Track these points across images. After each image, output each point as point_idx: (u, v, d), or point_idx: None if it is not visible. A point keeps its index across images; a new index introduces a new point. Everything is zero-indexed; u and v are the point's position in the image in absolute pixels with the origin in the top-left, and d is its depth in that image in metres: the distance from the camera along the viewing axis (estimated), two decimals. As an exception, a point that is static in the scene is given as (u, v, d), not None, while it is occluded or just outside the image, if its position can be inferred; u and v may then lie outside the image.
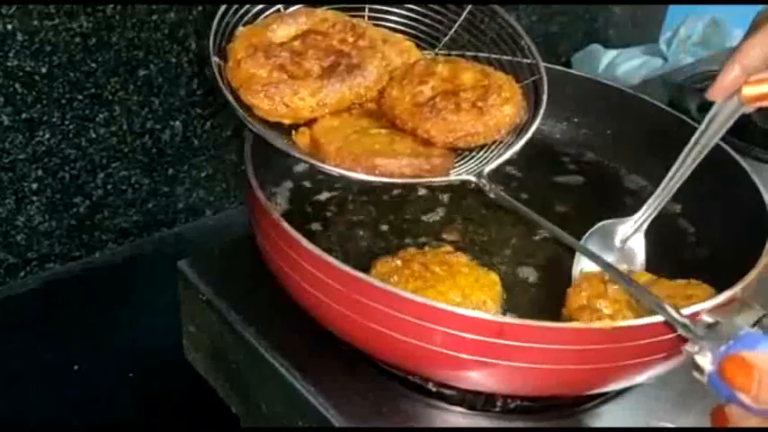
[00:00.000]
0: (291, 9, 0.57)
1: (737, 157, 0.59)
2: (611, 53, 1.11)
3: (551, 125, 0.71)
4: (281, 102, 0.52)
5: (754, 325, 0.40)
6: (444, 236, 0.59)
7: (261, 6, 0.56)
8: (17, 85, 0.62)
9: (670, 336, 0.43)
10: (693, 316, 0.42)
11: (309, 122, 0.54)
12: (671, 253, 0.58)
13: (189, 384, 0.62)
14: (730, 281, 0.45)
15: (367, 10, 0.59)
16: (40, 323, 0.69)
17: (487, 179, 0.52)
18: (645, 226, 0.56)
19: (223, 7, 0.54)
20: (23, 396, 0.64)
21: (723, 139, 0.61)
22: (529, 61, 0.58)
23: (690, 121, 0.64)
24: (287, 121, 0.53)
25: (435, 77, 0.56)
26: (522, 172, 0.67)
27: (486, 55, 0.59)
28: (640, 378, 0.48)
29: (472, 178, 0.52)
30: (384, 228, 0.60)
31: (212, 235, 0.78)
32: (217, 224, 0.80)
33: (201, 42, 0.70)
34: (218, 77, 0.52)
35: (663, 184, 0.55)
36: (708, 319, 0.42)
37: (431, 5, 0.60)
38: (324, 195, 0.62)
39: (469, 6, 0.60)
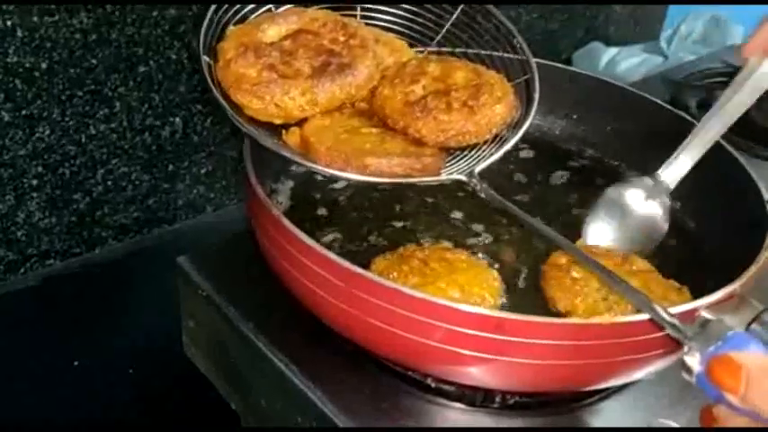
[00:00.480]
0: (282, 8, 0.57)
1: (737, 154, 0.59)
2: (612, 51, 1.11)
3: (551, 122, 0.71)
4: (272, 101, 0.52)
5: (752, 321, 0.40)
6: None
7: (252, 6, 0.56)
8: (17, 82, 0.62)
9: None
10: (691, 312, 0.42)
11: (300, 122, 0.54)
12: (671, 249, 0.59)
13: (189, 380, 0.62)
14: (729, 277, 0.46)
15: (359, 9, 0.59)
16: (40, 319, 0.69)
17: (478, 179, 0.52)
18: (672, 185, 0.56)
19: (213, 6, 0.54)
20: (23, 392, 0.65)
21: (723, 136, 0.61)
22: (519, 57, 0.58)
23: (690, 118, 0.64)
24: (277, 121, 0.53)
25: (427, 77, 0.55)
26: (521, 169, 0.67)
27: (477, 51, 0.59)
28: (639, 374, 0.48)
29: (463, 178, 0.52)
30: (385, 224, 0.60)
31: (212, 231, 0.78)
32: (216, 221, 0.80)
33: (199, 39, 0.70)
34: (209, 77, 0.52)
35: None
36: (706, 315, 0.42)
37: (424, 4, 0.59)
38: (324, 192, 0.62)
39: (461, 5, 0.60)
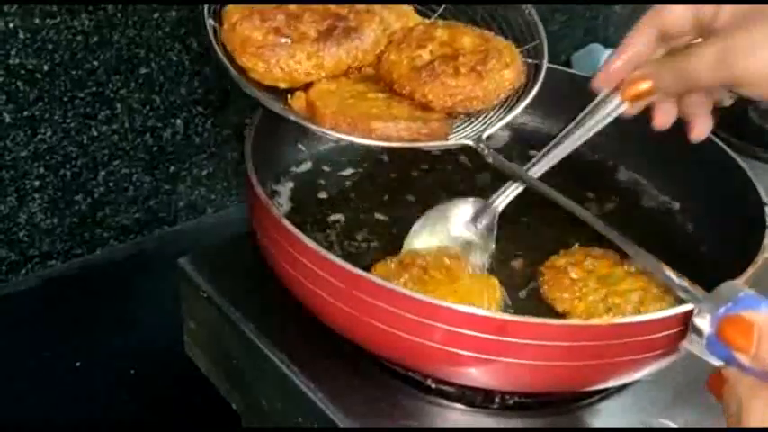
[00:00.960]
0: None
1: (735, 156, 0.59)
2: (611, 52, 1.11)
3: (550, 123, 0.71)
4: (277, 65, 0.51)
5: None
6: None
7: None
8: (19, 83, 0.63)
9: (667, 332, 0.44)
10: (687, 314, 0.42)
11: (305, 87, 0.53)
12: (669, 251, 0.59)
13: (190, 381, 0.62)
14: (728, 279, 0.46)
15: None
16: (42, 320, 0.69)
17: (486, 144, 0.51)
18: (500, 208, 0.54)
19: None
20: (24, 393, 0.65)
21: (721, 137, 0.62)
22: (528, 22, 0.57)
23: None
24: (282, 85, 0.53)
25: (434, 42, 0.55)
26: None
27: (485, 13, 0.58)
28: (638, 374, 0.48)
29: (470, 143, 0.52)
30: (386, 227, 0.60)
31: (213, 232, 0.79)
32: (217, 222, 0.80)
33: (203, 41, 0.71)
34: (214, 40, 0.52)
35: (527, 166, 0.54)
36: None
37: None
38: (325, 194, 0.63)
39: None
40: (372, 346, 0.49)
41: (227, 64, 0.51)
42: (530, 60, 0.56)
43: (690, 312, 0.42)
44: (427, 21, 0.59)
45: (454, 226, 0.55)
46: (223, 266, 0.60)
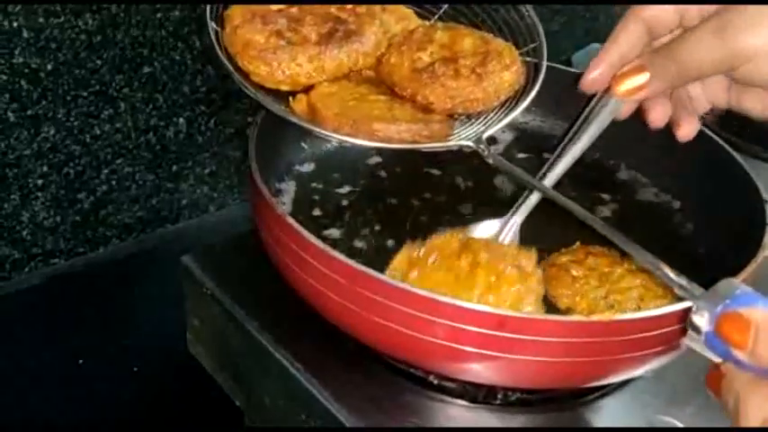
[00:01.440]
0: None
1: (736, 155, 0.60)
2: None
3: (551, 123, 0.72)
4: (279, 68, 0.52)
5: None
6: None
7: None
8: (23, 82, 0.63)
9: (668, 329, 0.44)
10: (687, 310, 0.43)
11: (307, 89, 0.54)
12: (669, 250, 0.59)
13: (193, 378, 0.62)
14: (727, 277, 0.46)
15: None
16: (45, 318, 0.69)
17: (486, 144, 0.52)
18: (515, 227, 0.54)
19: None
20: (27, 391, 0.65)
21: (721, 136, 0.62)
22: (527, 24, 0.57)
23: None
24: (284, 88, 0.53)
25: (434, 44, 0.55)
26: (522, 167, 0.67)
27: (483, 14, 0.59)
28: (640, 371, 0.48)
29: (471, 144, 0.52)
30: (391, 224, 0.60)
31: (216, 231, 0.79)
32: (220, 220, 0.80)
33: (206, 40, 0.71)
34: (216, 44, 0.52)
35: (537, 176, 0.53)
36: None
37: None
38: (328, 192, 0.63)
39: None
40: (375, 343, 0.49)
41: (230, 67, 0.52)
42: (529, 59, 0.57)
43: (690, 309, 0.42)
44: (427, 23, 0.59)
45: None
46: (226, 264, 0.60)
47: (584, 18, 1.13)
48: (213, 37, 0.52)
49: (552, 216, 0.60)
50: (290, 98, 0.54)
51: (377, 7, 0.56)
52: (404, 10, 0.59)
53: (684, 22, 0.48)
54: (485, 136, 0.52)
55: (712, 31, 0.44)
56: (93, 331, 0.69)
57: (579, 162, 0.69)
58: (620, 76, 0.48)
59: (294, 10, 0.54)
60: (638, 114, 0.53)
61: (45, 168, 0.67)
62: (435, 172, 0.66)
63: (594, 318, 0.44)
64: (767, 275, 0.49)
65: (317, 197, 0.62)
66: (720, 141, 0.61)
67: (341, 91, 0.54)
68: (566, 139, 0.53)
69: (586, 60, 1.15)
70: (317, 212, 0.61)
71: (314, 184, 0.63)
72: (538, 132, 0.72)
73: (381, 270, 0.47)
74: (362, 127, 0.50)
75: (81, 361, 0.67)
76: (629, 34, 0.48)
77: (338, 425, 0.49)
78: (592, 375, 0.48)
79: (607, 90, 0.50)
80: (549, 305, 0.53)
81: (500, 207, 0.55)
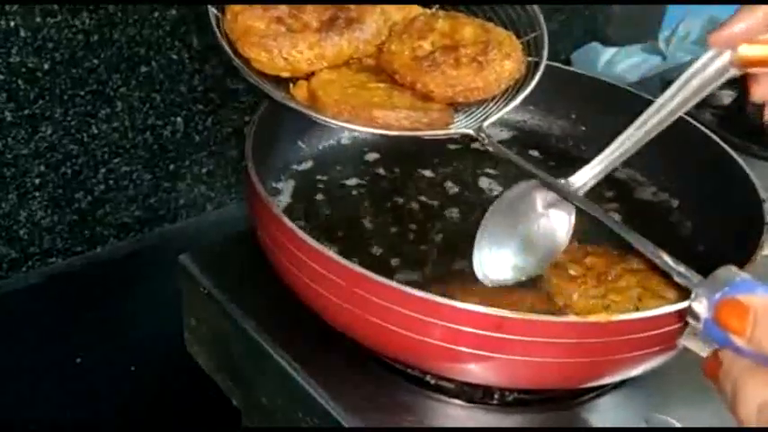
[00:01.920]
0: None
1: (734, 153, 0.60)
2: (611, 51, 1.11)
3: (550, 122, 0.71)
4: (279, 54, 0.52)
5: None
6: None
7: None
8: (20, 82, 0.63)
9: (665, 329, 0.44)
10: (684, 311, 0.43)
11: (308, 76, 0.54)
12: (668, 248, 0.59)
13: (191, 378, 0.62)
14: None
15: None
16: (42, 317, 0.69)
17: (486, 133, 0.52)
18: (581, 192, 0.52)
19: None
20: (25, 390, 0.65)
21: (719, 135, 0.62)
22: (528, 14, 0.57)
23: (688, 118, 0.64)
24: (285, 75, 0.53)
25: (435, 32, 0.55)
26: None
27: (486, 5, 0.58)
28: (636, 371, 0.48)
29: (471, 132, 0.52)
30: (385, 223, 0.60)
31: (213, 230, 0.79)
32: (218, 219, 0.80)
33: (203, 39, 0.71)
34: (217, 29, 0.52)
35: (617, 142, 0.52)
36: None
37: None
38: (326, 191, 0.63)
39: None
40: (372, 343, 0.49)
41: (231, 53, 0.51)
42: (530, 58, 0.56)
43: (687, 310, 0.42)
44: (428, 11, 0.59)
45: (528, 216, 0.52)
46: (224, 263, 0.60)
47: (583, 17, 1.13)
48: (214, 23, 0.52)
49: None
50: (291, 85, 0.54)
51: None
52: None
53: None
54: (485, 124, 0.52)
55: None
56: (91, 330, 0.69)
57: (578, 160, 0.70)
58: (747, 41, 0.46)
59: None
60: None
61: (42, 168, 0.67)
62: (428, 173, 0.66)
63: (592, 318, 0.44)
64: (766, 274, 0.48)
65: (315, 195, 0.62)
66: (719, 140, 0.61)
67: (341, 78, 0.54)
68: (663, 97, 0.50)
69: (586, 59, 1.16)
70: (314, 211, 0.61)
71: (312, 182, 0.63)
72: (536, 131, 0.72)
73: (378, 271, 0.46)
74: (362, 114, 0.50)
75: (79, 360, 0.67)
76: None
77: (336, 424, 0.49)
78: (589, 376, 0.48)
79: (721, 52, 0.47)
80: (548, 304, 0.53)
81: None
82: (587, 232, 0.54)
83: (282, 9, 0.53)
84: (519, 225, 0.53)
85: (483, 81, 0.53)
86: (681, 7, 1.21)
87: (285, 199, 0.61)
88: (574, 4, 1.09)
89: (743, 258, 0.48)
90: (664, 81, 0.95)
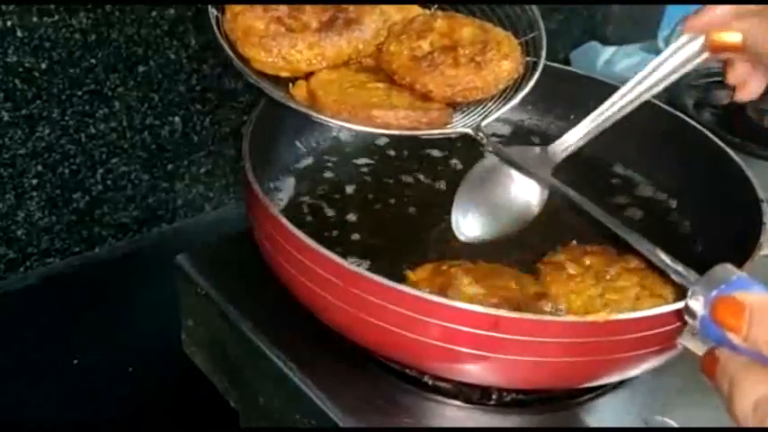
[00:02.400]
0: None
1: (733, 153, 0.60)
2: (609, 50, 1.11)
3: (548, 121, 0.71)
4: (279, 54, 0.52)
5: None
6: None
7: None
8: (17, 81, 0.63)
9: (663, 329, 0.44)
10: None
11: (307, 76, 0.54)
12: (666, 248, 0.59)
13: (188, 378, 0.62)
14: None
15: None
16: (40, 318, 0.69)
17: (485, 132, 0.52)
18: (557, 159, 0.55)
19: None
20: (23, 390, 0.65)
21: (718, 135, 0.62)
22: (527, 15, 0.57)
23: (687, 118, 0.64)
24: (284, 74, 0.53)
25: (434, 33, 0.56)
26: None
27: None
28: (634, 371, 0.48)
29: (470, 131, 0.52)
30: (379, 223, 0.60)
31: (211, 230, 0.79)
32: (216, 219, 0.80)
33: (201, 39, 0.71)
34: (216, 29, 0.52)
35: (595, 113, 0.55)
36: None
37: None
38: (323, 191, 0.63)
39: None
40: (370, 344, 0.49)
41: (231, 53, 0.52)
42: (529, 58, 0.56)
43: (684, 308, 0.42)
44: (427, 12, 0.59)
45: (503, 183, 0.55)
46: (221, 264, 0.60)
47: (582, 16, 1.13)
48: (214, 23, 0.52)
49: (549, 214, 0.60)
50: (290, 84, 0.54)
51: None
52: None
53: None
54: (483, 124, 0.52)
55: None
56: (89, 331, 0.68)
57: (576, 160, 0.70)
58: (718, 27, 0.50)
59: None
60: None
61: (40, 168, 0.67)
62: (421, 176, 0.66)
63: (590, 318, 0.44)
64: (765, 274, 0.48)
65: (313, 196, 0.62)
66: (717, 140, 0.61)
67: (340, 78, 0.54)
68: (635, 78, 0.54)
69: (584, 58, 1.16)
70: (312, 210, 0.60)
71: (309, 182, 0.63)
72: (535, 130, 0.72)
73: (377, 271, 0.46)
74: (361, 113, 0.51)
75: (76, 360, 0.67)
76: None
77: (332, 425, 0.49)
78: (587, 376, 0.48)
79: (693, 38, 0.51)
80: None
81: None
82: (586, 231, 0.54)
83: (282, 9, 0.54)
84: (493, 189, 0.55)
85: (481, 81, 0.53)
86: (680, 7, 1.21)
87: (282, 198, 0.61)
88: (573, 3, 1.09)
89: (742, 258, 0.48)
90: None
